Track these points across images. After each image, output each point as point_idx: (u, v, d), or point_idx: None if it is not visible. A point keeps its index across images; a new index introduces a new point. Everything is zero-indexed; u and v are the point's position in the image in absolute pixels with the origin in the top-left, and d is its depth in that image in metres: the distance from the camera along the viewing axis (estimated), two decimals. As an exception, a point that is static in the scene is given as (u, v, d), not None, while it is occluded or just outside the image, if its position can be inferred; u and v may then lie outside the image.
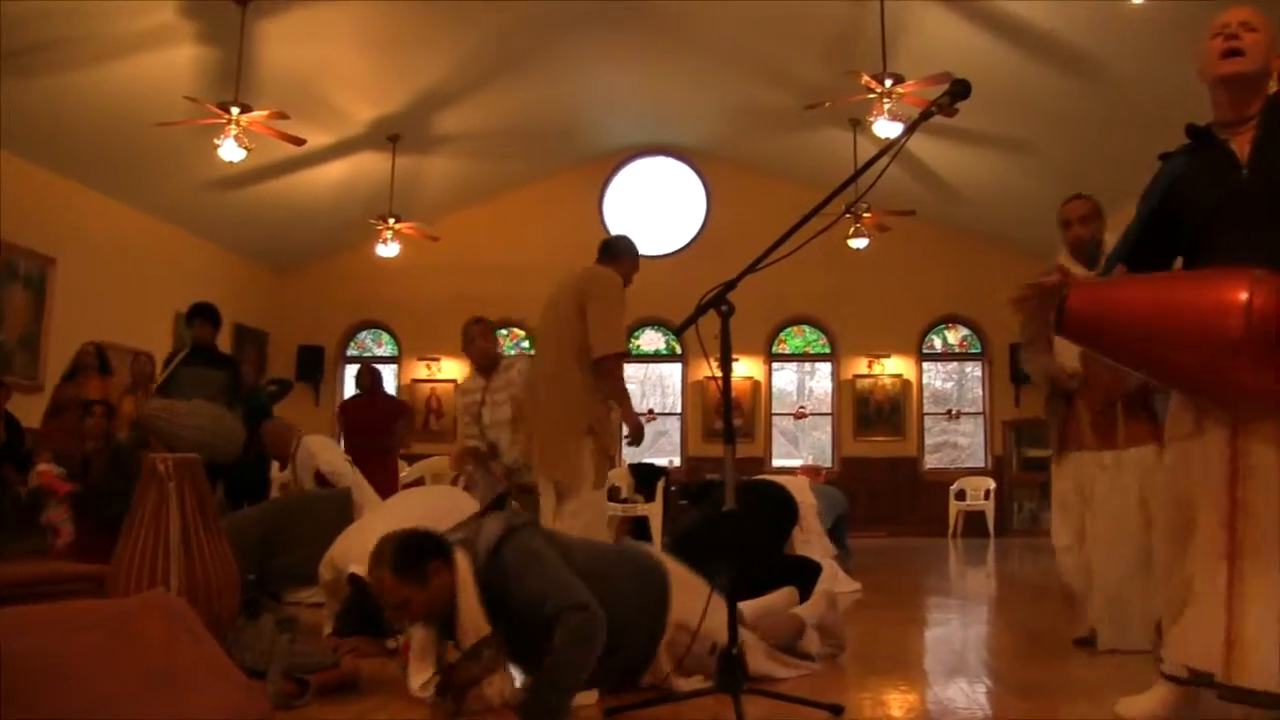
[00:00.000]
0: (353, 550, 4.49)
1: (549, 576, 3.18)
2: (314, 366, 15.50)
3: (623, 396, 4.95)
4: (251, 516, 6.08)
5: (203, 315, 7.63)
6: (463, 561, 3.21)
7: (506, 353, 6.20)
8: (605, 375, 4.79)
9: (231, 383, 7.41)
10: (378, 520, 4.78)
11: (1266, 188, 2.65)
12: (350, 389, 14.16)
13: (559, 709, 3.00)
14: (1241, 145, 2.74)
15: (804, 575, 4.96)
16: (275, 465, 10.16)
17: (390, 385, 13.74)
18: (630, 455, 14.90)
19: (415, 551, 3.18)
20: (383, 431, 8.66)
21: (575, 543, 3.58)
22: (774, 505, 7.14)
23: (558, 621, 3.04)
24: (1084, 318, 2.73)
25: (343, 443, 8.66)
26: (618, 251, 5.36)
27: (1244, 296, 2.43)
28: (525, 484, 5.84)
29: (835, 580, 7.30)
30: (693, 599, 3.46)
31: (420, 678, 3.35)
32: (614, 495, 10.67)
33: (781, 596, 4.33)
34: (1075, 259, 4.58)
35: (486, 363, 6.24)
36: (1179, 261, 2.94)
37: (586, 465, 4.73)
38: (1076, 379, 4.47)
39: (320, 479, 6.88)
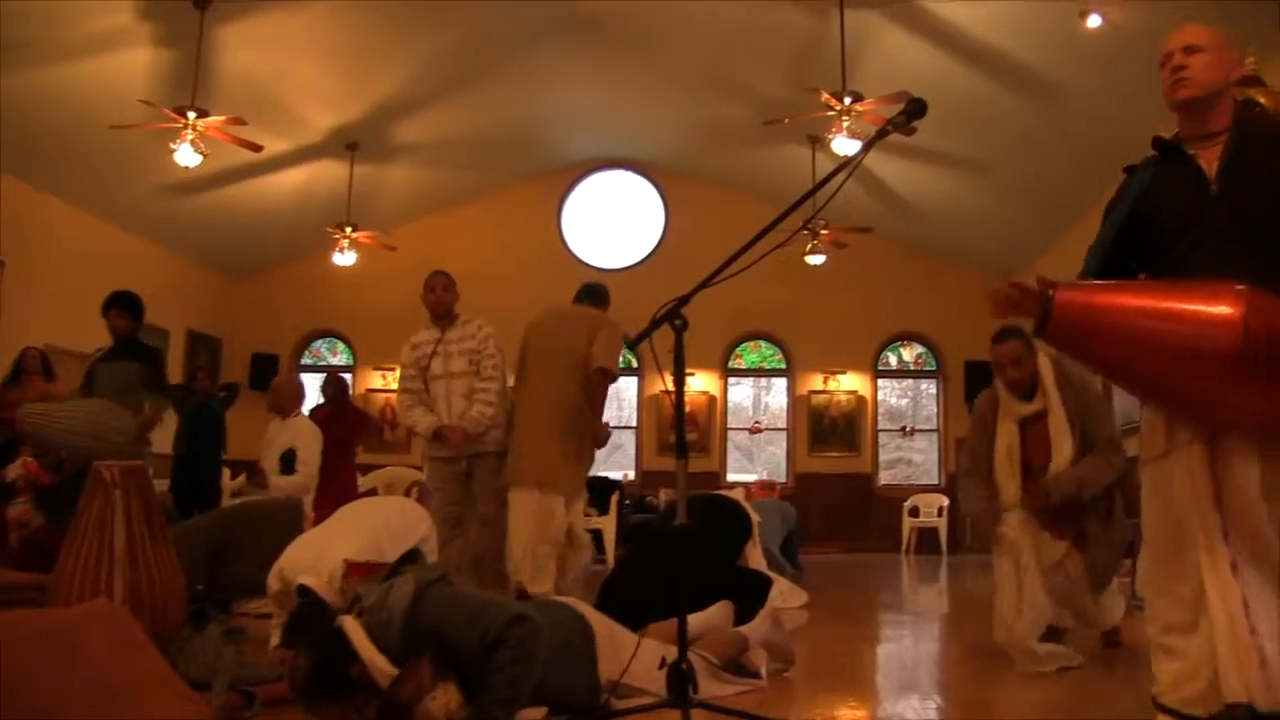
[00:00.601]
0: (303, 561, 4.44)
1: (474, 609, 3.08)
2: (268, 375, 15.27)
3: (600, 407, 5.89)
4: (200, 526, 6.00)
5: (119, 305, 6.81)
6: (350, 625, 3.03)
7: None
8: (596, 385, 5.76)
9: (150, 376, 6.68)
10: (329, 531, 4.73)
11: (1234, 205, 2.65)
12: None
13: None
14: (1210, 161, 2.73)
15: (756, 589, 4.95)
16: (228, 473, 10.07)
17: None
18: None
19: (327, 677, 2.97)
20: (347, 441, 8.59)
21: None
22: (728, 519, 7.14)
23: (500, 643, 2.96)
24: (1071, 317, 2.68)
25: None
26: (606, 297, 6.17)
27: (1235, 312, 2.42)
28: (480, 451, 5.84)
29: (782, 593, 7.33)
30: (621, 652, 3.43)
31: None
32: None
33: (718, 612, 4.31)
34: (1015, 396, 4.61)
35: (443, 311, 6.14)
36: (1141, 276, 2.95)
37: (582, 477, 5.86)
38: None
39: (284, 461, 6.98)
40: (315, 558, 4.41)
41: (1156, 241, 2.83)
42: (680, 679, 3.01)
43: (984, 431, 4.73)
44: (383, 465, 11.79)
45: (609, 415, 6.18)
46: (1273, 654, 2.54)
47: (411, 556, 3.65)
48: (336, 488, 7.93)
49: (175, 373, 13.88)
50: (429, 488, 6.36)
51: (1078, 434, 4.46)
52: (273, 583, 4.53)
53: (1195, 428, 2.69)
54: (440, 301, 6.15)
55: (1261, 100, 6.13)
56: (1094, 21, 8.82)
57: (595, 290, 6.20)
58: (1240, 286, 2.49)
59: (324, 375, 9.94)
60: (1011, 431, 4.59)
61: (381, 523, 4.68)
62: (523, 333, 6.01)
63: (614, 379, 5.91)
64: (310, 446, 7.05)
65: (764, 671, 4.03)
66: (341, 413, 8.84)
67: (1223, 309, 2.44)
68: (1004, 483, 4.56)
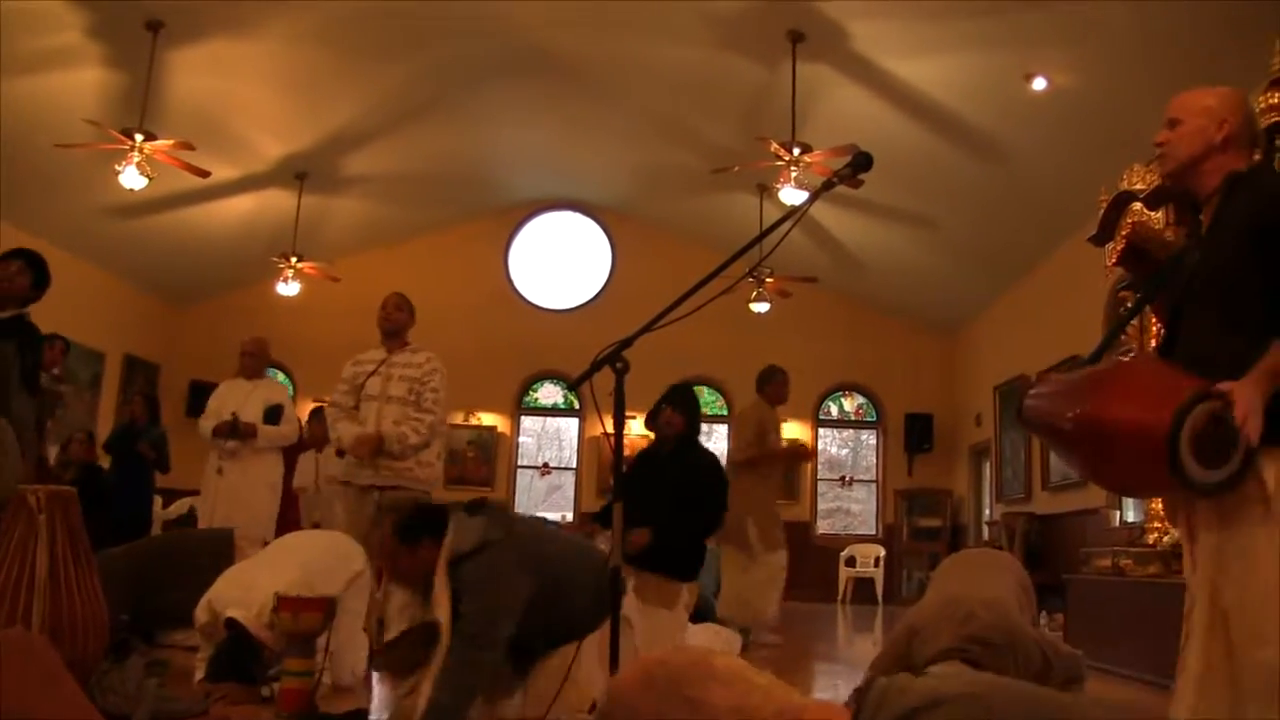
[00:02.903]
0: (232, 594, 4.38)
1: (485, 604, 3.43)
2: (205, 402, 15.09)
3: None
4: (128, 554, 5.88)
5: (25, 257, 5.65)
6: (445, 550, 3.51)
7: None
8: None
9: (21, 363, 5.17)
10: (260, 564, 4.67)
11: (1209, 269, 2.65)
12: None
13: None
14: (1205, 223, 2.75)
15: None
16: (159, 502, 9.89)
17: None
18: (523, 508, 14.83)
19: (415, 524, 3.58)
20: (289, 471, 8.51)
21: (549, 537, 3.89)
22: None
23: (457, 640, 3.33)
24: (1024, 416, 2.83)
25: None
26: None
27: (1067, 414, 2.58)
28: (400, 486, 5.64)
29: (724, 639, 7.31)
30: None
31: (391, 635, 3.72)
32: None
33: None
34: None
35: (391, 329, 5.97)
36: None
37: None
38: None
39: (268, 417, 7.08)
40: (245, 590, 4.34)
41: (1171, 305, 2.86)
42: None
43: None
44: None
45: (550, 455, 6.14)
46: None
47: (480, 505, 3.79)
48: (287, 515, 7.90)
49: (110, 398, 13.68)
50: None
51: None
52: (200, 615, 4.45)
53: (1180, 513, 2.73)
54: (388, 319, 5.97)
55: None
56: (1039, 84, 9.03)
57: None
58: (1109, 371, 2.69)
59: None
60: None
61: (315, 556, 4.62)
62: None
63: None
64: (290, 403, 7.32)
65: None
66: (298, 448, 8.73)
67: (1066, 413, 2.59)
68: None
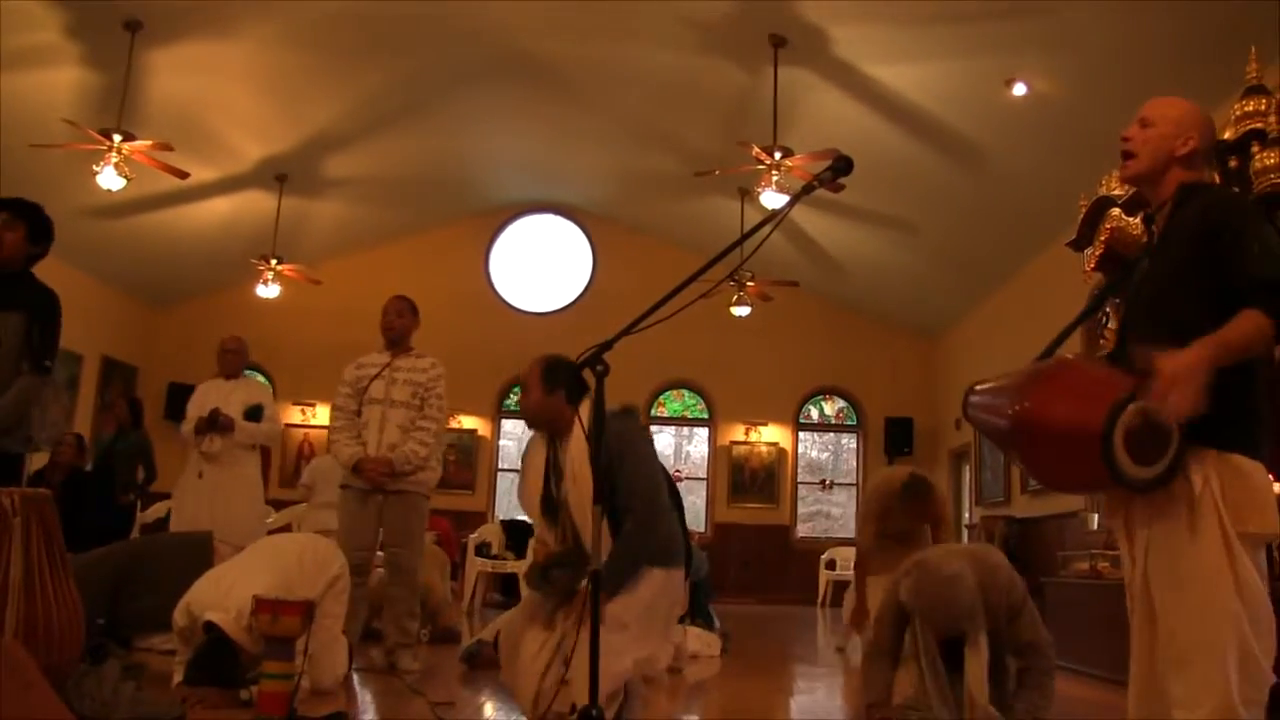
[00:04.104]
0: (210, 597, 4.35)
1: (645, 469, 3.71)
2: (183, 405, 14.97)
3: None
4: (105, 557, 5.83)
5: (14, 209, 4.57)
6: (583, 412, 3.69)
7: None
8: None
9: (29, 337, 4.39)
10: (238, 568, 4.63)
11: (1156, 277, 2.67)
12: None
13: (616, 587, 3.53)
14: (1157, 231, 2.78)
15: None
16: (138, 505, 9.83)
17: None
18: (503, 512, 14.81)
19: (560, 373, 3.81)
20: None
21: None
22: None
23: (638, 504, 3.61)
24: (968, 413, 2.86)
25: None
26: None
27: (1007, 408, 2.59)
28: (401, 490, 5.67)
29: (705, 641, 7.32)
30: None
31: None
32: (484, 551, 10.55)
33: None
34: None
35: (394, 336, 5.94)
36: None
37: None
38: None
39: (249, 416, 6.98)
40: (223, 594, 4.32)
41: (1122, 311, 2.89)
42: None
43: None
44: (298, 502, 11.59)
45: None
46: None
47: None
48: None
49: (87, 400, 13.60)
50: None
51: None
52: (178, 618, 4.42)
53: (1117, 518, 2.72)
54: (390, 326, 5.95)
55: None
56: (1019, 90, 9.07)
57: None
58: (1047, 367, 2.67)
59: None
60: None
61: (293, 560, 4.60)
62: None
63: None
64: (272, 403, 7.26)
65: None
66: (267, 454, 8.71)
67: (1006, 407, 2.60)
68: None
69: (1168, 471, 2.43)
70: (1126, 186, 6.17)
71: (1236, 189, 6.01)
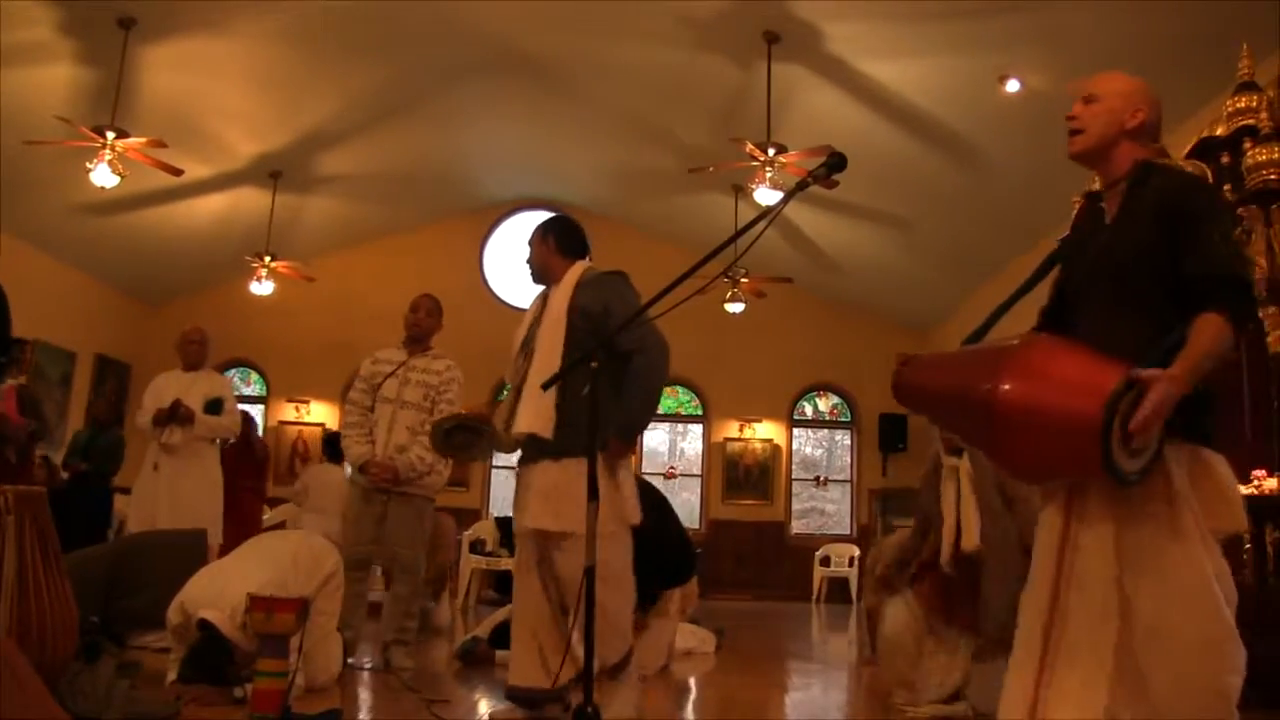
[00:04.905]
0: (205, 595, 4.35)
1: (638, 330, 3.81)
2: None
3: None
4: (99, 554, 5.83)
5: None
6: (573, 270, 4.11)
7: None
8: None
9: None
10: (233, 565, 4.64)
11: (1114, 253, 2.66)
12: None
13: (638, 425, 3.96)
14: (1111, 207, 2.75)
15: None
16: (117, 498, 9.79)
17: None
18: (497, 509, 14.80)
19: (553, 225, 4.31)
20: (257, 476, 8.45)
21: None
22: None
23: (637, 352, 3.85)
24: (904, 392, 2.85)
25: None
26: None
27: (990, 387, 2.44)
28: (405, 491, 5.69)
29: (700, 638, 7.33)
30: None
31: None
32: (478, 548, 10.55)
33: None
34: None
35: (418, 335, 5.96)
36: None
37: None
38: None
39: (209, 409, 6.88)
40: (218, 592, 4.32)
41: (1071, 286, 2.84)
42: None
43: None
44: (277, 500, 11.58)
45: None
46: None
47: None
48: (247, 517, 7.82)
49: (80, 398, 13.57)
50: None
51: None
52: (173, 616, 4.42)
53: (1058, 489, 2.67)
54: (418, 324, 5.97)
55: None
56: (1013, 86, 9.08)
57: None
58: (1020, 348, 2.54)
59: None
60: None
61: (287, 557, 4.60)
62: None
63: None
64: (232, 396, 7.14)
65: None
66: (250, 448, 8.68)
67: (984, 386, 2.47)
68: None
69: (1151, 463, 2.42)
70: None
71: (1228, 186, 6.04)
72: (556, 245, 4.19)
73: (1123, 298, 2.62)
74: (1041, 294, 3.02)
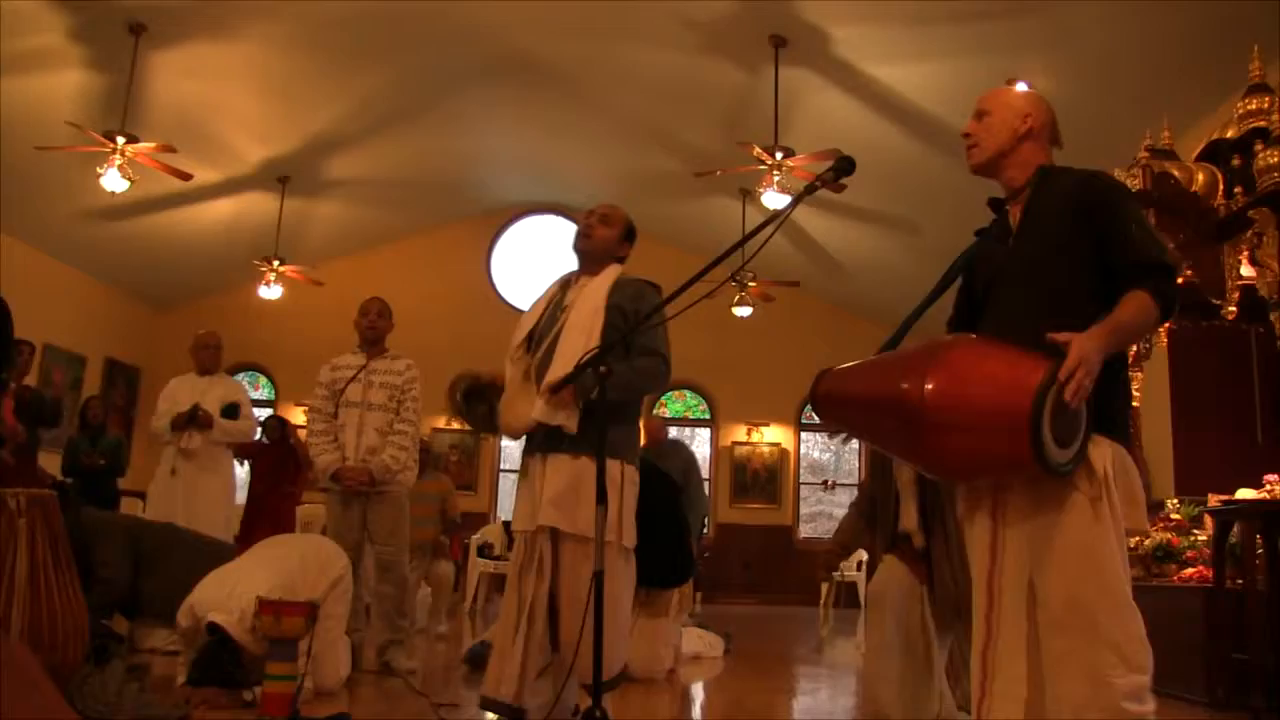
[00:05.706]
0: (214, 598, 4.36)
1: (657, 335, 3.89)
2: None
3: None
4: (133, 523, 5.82)
5: None
6: (614, 271, 4.05)
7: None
8: None
9: None
10: (242, 568, 4.64)
11: (1025, 255, 2.69)
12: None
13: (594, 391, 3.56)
14: (1015, 215, 2.79)
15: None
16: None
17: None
18: (505, 513, 14.80)
19: (633, 234, 4.23)
20: (291, 480, 8.44)
21: None
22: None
23: (643, 354, 3.83)
24: (823, 404, 2.81)
25: (249, 489, 8.49)
26: None
27: (911, 388, 2.43)
28: (381, 491, 5.66)
29: (708, 642, 7.32)
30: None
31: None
32: (487, 552, 10.55)
33: None
34: None
35: (373, 338, 5.92)
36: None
37: None
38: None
39: (226, 414, 6.90)
40: (227, 595, 4.32)
41: (978, 295, 2.88)
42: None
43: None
44: (304, 502, 11.57)
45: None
46: None
47: None
48: (281, 519, 7.84)
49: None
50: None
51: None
52: (182, 619, 4.43)
53: (982, 498, 2.68)
54: (371, 326, 5.93)
55: (1175, 173, 6.33)
56: (1021, 89, 9.06)
57: None
58: (944, 346, 2.53)
59: (265, 418, 9.43)
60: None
61: (296, 561, 4.61)
62: None
63: None
64: (249, 401, 7.16)
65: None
66: (283, 451, 8.65)
67: (911, 386, 2.44)
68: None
69: (1079, 454, 2.43)
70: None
71: (1239, 188, 6.03)
72: (622, 238, 4.15)
73: (1038, 299, 2.64)
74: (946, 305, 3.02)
